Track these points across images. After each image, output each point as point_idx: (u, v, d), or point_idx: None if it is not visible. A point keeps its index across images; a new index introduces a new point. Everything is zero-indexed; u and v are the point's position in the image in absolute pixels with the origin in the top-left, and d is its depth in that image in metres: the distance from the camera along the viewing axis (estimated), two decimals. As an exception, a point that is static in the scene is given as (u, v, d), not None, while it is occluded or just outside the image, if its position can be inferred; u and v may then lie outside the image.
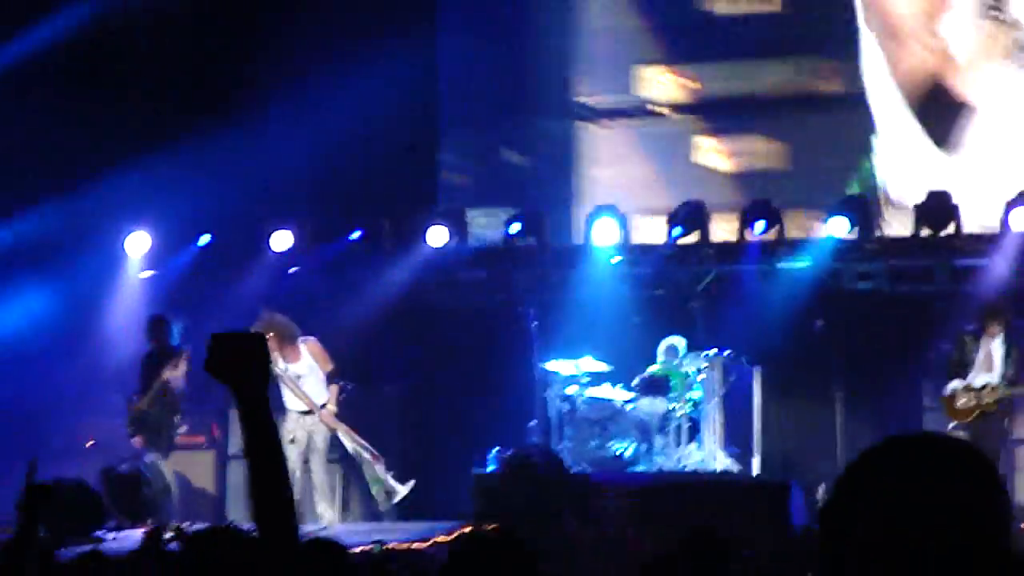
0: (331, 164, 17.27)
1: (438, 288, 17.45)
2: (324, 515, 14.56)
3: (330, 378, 14.51)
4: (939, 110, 17.13)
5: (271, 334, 13.69)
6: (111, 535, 14.17)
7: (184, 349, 15.12)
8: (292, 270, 17.57)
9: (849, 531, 2.27)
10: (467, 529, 13.41)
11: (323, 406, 14.46)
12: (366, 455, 14.46)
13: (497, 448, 15.22)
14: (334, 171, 17.31)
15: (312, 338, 14.47)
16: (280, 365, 13.96)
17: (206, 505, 16.29)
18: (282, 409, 14.21)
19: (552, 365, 15.55)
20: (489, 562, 3.85)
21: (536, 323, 15.68)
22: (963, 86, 17.11)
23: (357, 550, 10.51)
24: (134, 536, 13.42)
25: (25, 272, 17.17)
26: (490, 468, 14.94)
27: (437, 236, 17.04)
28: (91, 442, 16.59)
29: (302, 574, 3.32)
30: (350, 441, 14.47)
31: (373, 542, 11.35)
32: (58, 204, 17.17)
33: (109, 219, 17.32)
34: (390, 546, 12.35)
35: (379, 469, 14.46)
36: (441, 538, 13.08)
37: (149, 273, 17.61)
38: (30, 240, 17.24)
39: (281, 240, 17.28)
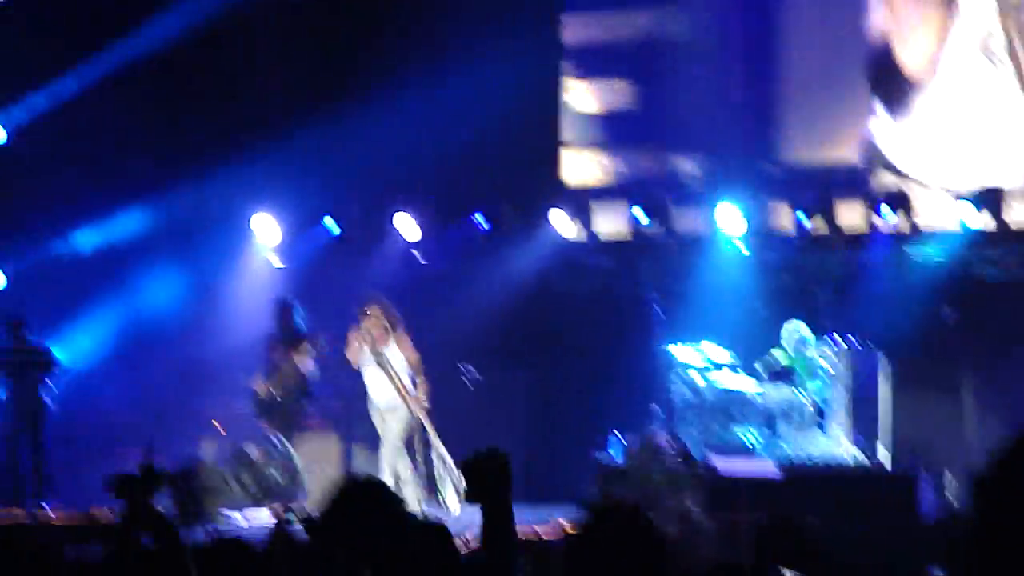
0: (455, 148, 17.34)
1: (563, 275, 17.48)
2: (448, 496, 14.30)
3: (419, 371, 14.22)
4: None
5: (375, 318, 13.61)
6: (239, 515, 14.37)
7: (316, 335, 15.17)
8: (416, 254, 17.68)
9: (1010, 515, 2.22)
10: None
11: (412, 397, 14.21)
12: (448, 457, 14.08)
13: (620, 434, 15.22)
14: (458, 155, 17.37)
15: (404, 330, 14.25)
16: (376, 349, 13.77)
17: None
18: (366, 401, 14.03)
19: (676, 352, 15.50)
20: (618, 538, 3.82)
21: (660, 310, 15.63)
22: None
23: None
24: (262, 517, 13.62)
25: (155, 258, 17.43)
26: (612, 453, 14.95)
27: (561, 223, 17.05)
28: (218, 424, 16.82)
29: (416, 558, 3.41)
30: (434, 435, 14.18)
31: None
32: (187, 190, 17.41)
33: (236, 204, 17.54)
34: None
35: (454, 477, 14.11)
36: (562, 522, 13.10)
37: (277, 260, 17.81)
38: (160, 227, 17.49)
39: (405, 225, 17.39)
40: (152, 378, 17.11)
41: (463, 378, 16.35)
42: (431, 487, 14.36)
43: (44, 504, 14.87)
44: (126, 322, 17.22)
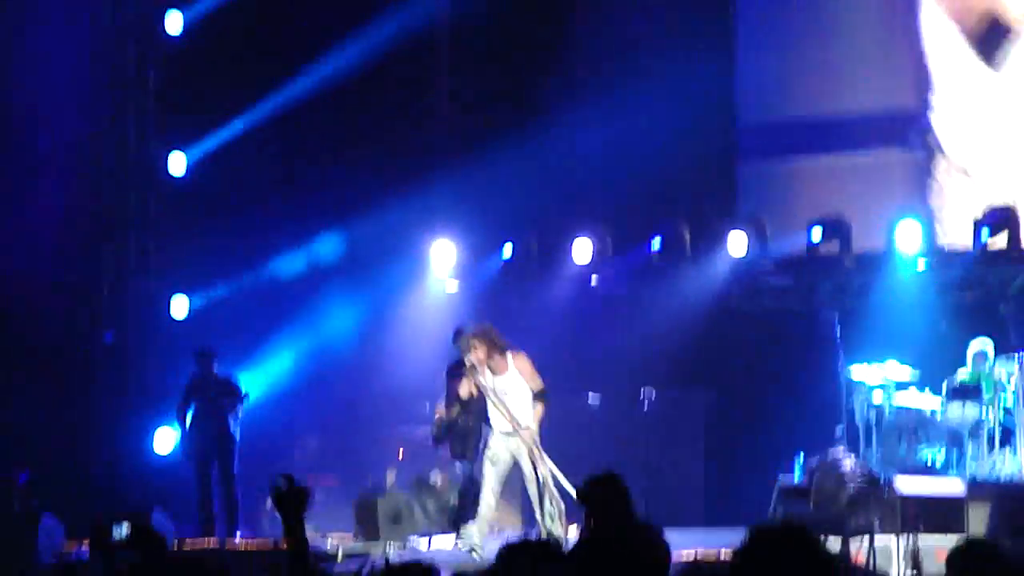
0: (631, 171, 17.37)
1: (741, 295, 17.41)
2: (555, 531, 13.02)
3: (537, 397, 13.15)
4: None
5: (476, 344, 13.03)
6: (424, 541, 14.52)
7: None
8: (594, 279, 17.74)
9: None
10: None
11: (524, 427, 13.12)
12: (554, 489, 12.93)
13: (802, 455, 15.09)
14: (634, 179, 17.40)
15: (523, 352, 13.22)
16: (487, 378, 12.97)
17: (513, 515, 16.52)
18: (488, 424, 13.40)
19: (857, 371, 15.32)
20: (785, 559, 3.81)
21: (840, 329, 15.47)
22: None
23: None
24: (445, 543, 13.74)
25: (337, 287, 17.70)
26: (796, 476, 14.82)
27: (738, 243, 16.99)
28: (401, 452, 17.01)
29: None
30: (544, 467, 12.98)
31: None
32: (366, 219, 17.66)
33: (415, 231, 17.75)
34: (695, 552, 12.35)
35: (556, 512, 12.83)
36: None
37: (455, 284, 17.99)
38: (340, 256, 17.75)
39: (582, 249, 17.46)
40: (334, 406, 17.36)
41: (643, 400, 16.33)
42: (533, 513, 13.97)
43: (236, 534, 15.16)
44: (308, 351, 17.50)
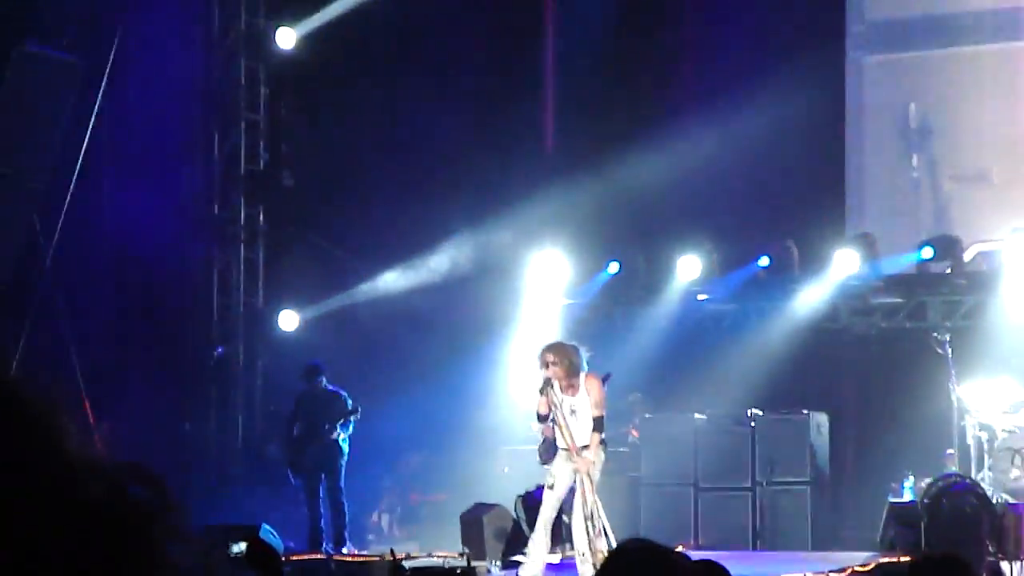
0: (738, 189, 17.31)
1: (849, 314, 17.27)
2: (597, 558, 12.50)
3: (596, 424, 12.74)
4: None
5: (555, 360, 12.86)
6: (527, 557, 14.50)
7: (606, 376, 15.06)
8: (701, 297, 17.67)
9: None
10: (882, 560, 13.19)
11: (584, 448, 12.71)
12: (594, 523, 12.47)
13: (912, 477, 14.92)
14: (742, 196, 17.32)
15: (596, 375, 12.95)
16: (558, 396, 12.65)
17: (623, 529, 16.48)
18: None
19: (968, 391, 15.12)
20: None
21: (951, 349, 15.28)
22: None
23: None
24: (552, 559, 13.71)
25: (442, 302, 17.75)
26: (906, 497, 14.65)
27: (846, 261, 16.85)
28: (506, 469, 17.03)
29: None
30: (591, 497, 12.60)
31: None
32: (472, 234, 17.71)
33: (522, 247, 17.76)
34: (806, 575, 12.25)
35: (598, 544, 12.35)
36: (857, 568, 12.90)
37: (564, 301, 18.00)
38: (447, 274, 17.80)
39: (689, 266, 17.39)
40: (441, 422, 17.39)
41: (749, 421, 16.24)
42: (561, 540, 13.68)
43: (344, 547, 15.23)
44: (415, 366, 17.55)
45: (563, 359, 12.67)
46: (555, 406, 12.62)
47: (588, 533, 12.50)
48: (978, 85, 17.60)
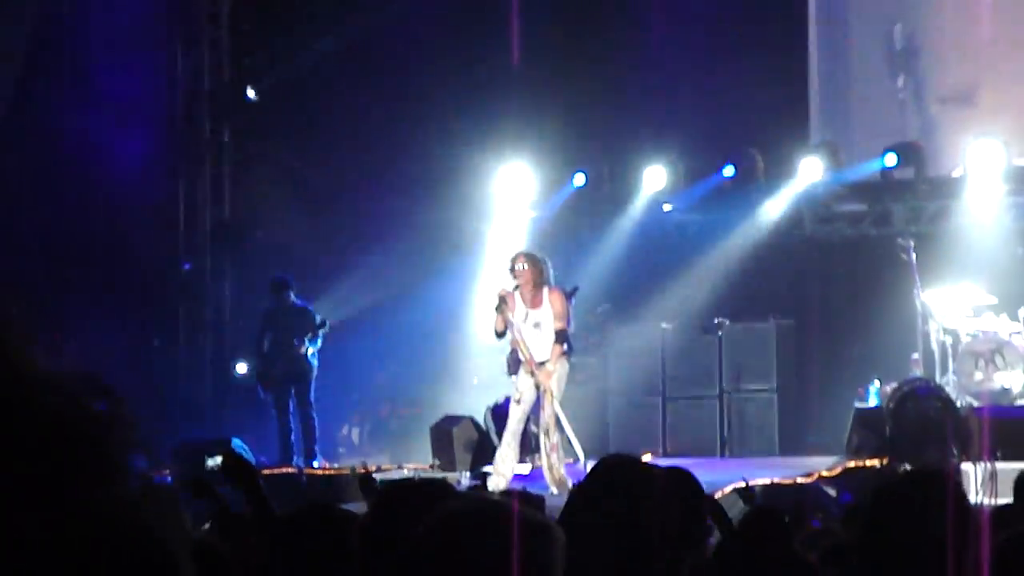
0: (701, 98, 17.29)
1: (814, 222, 17.34)
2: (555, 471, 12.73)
3: (557, 336, 12.78)
4: None
5: (526, 266, 12.87)
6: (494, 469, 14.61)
7: (574, 289, 15.07)
8: (667, 208, 17.70)
9: None
10: (849, 464, 13.34)
11: (543, 363, 12.79)
12: (554, 437, 12.66)
13: (878, 382, 15.06)
14: (704, 106, 17.31)
15: (559, 288, 13.02)
16: (521, 309, 12.71)
17: (592, 439, 16.60)
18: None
19: (933, 297, 15.22)
20: (916, 497, 3.76)
21: (915, 255, 15.37)
22: None
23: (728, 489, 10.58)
24: (521, 470, 13.80)
25: (408, 214, 17.72)
26: (872, 402, 14.80)
27: (811, 169, 16.88)
28: (475, 380, 17.11)
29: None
30: (549, 409, 12.72)
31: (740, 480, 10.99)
32: (435, 149, 17.67)
33: (488, 156, 17.72)
34: (772, 481, 12.38)
35: (552, 459, 12.59)
36: (824, 473, 13.05)
37: (531, 213, 18.01)
38: (411, 179, 17.74)
39: (655, 177, 17.40)
40: (411, 335, 17.43)
41: (716, 329, 16.34)
42: (531, 450, 13.72)
43: (314, 461, 15.32)
44: (385, 279, 17.56)
45: (534, 266, 12.75)
46: (511, 323, 12.70)
47: (544, 446, 12.63)
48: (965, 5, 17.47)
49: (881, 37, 17.80)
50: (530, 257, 12.98)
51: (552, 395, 12.77)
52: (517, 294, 12.77)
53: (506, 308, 12.70)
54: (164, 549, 1.54)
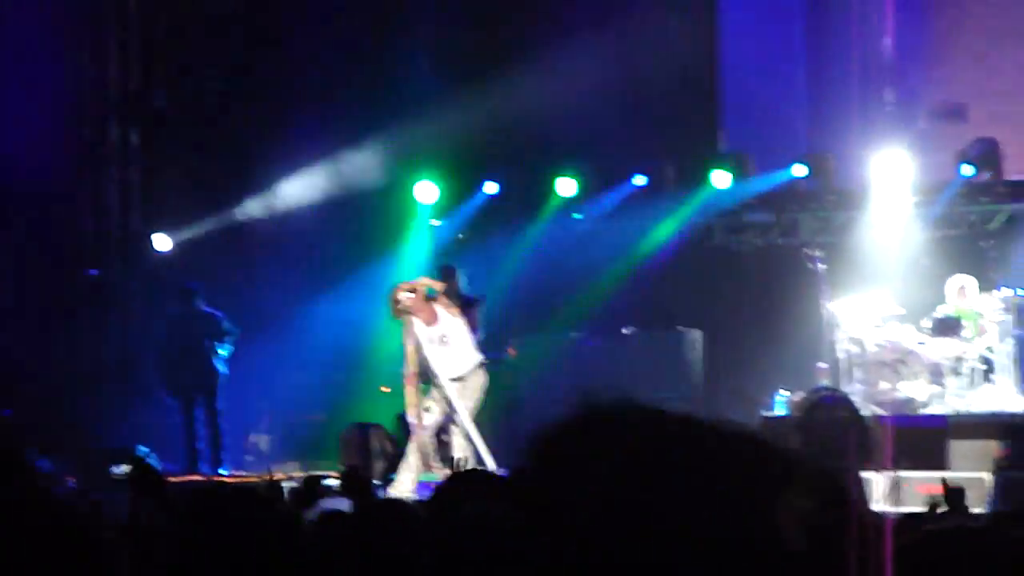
0: (612, 108, 17.35)
1: (723, 232, 17.46)
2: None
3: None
4: None
5: (408, 293, 12.91)
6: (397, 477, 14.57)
7: (481, 297, 15.09)
8: (577, 216, 17.75)
9: None
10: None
11: (459, 377, 13.06)
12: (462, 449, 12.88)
13: (785, 391, 15.16)
14: (615, 116, 17.37)
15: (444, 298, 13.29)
16: (423, 332, 12.93)
17: (503, 449, 16.60)
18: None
19: (839, 306, 15.37)
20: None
21: (823, 265, 15.52)
22: None
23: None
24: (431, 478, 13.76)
25: (321, 224, 17.66)
26: (778, 411, 14.90)
27: (720, 179, 17.00)
28: (386, 388, 17.05)
29: None
30: (463, 423, 12.91)
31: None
32: (346, 157, 17.61)
33: (398, 168, 17.70)
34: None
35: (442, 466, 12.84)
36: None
37: (437, 222, 17.99)
38: (326, 195, 17.70)
39: (565, 186, 17.45)
40: (320, 342, 17.36)
41: (626, 339, 16.39)
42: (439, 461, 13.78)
43: (220, 469, 15.21)
44: (294, 287, 17.49)
45: (413, 289, 12.82)
46: (417, 342, 12.74)
47: (455, 456, 12.66)
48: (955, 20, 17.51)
49: (868, 50, 17.82)
50: (402, 286, 13.09)
51: (463, 407, 12.82)
52: (415, 319, 12.82)
53: (412, 334, 12.79)
54: (84, 524, 1.52)
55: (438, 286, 13.15)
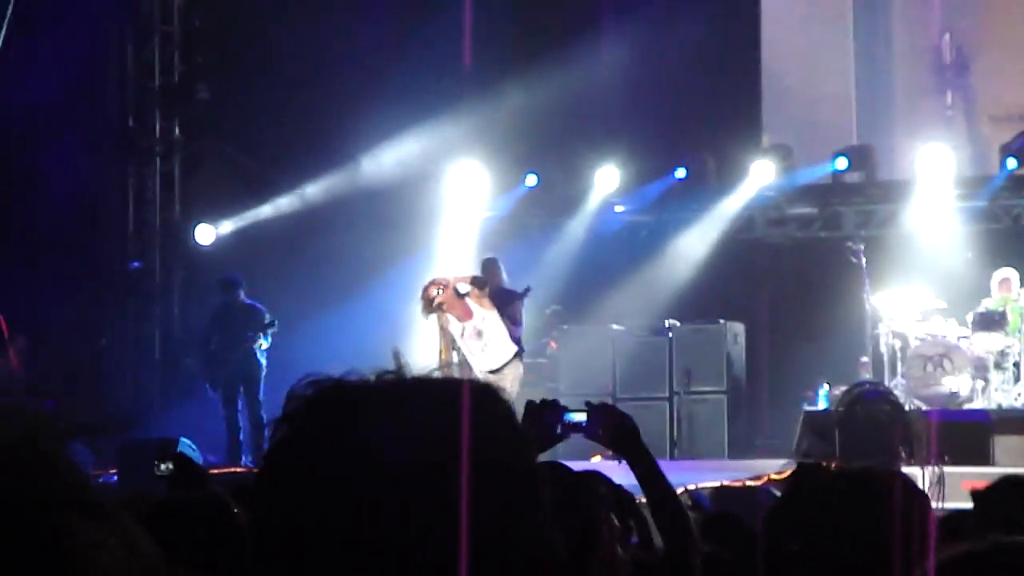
0: (655, 101, 17.30)
1: (765, 225, 17.39)
2: None
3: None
4: None
5: (439, 290, 12.88)
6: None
7: (526, 291, 14.89)
8: (619, 209, 17.71)
9: None
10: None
11: (497, 370, 13.00)
12: None
13: (827, 385, 15.10)
14: (658, 108, 17.32)
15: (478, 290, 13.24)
16: (457, 328, 12.95)
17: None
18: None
19: (882, 300, 15.29)
20: (828, 498, 3.75)
21: (865, 258, 15.44)
22: None
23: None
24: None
25: (361, 215, 17.66)
26: (821, 405, 14.84)
27: (763, 172, 16.93)
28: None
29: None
30: None
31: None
32: (388, 148, 17.61)
33: (438, 160, 17.68)
34: (722, 484, 12.38)
35: None
36: (773, 476, 13.06)
37: (483, 213, 17.97)
38: (365, 186, 17.70)
39: (607, 178, 17.41)
40: (361, 334, 17.35)
41: (668, 332, 16.34)
42: None
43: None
44: (336, 279, 17.48)
45: (445, 287, 12.83)
46: (455, 342, 12.77)
47: None
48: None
49: (927, 49, 17.57)
50: (433, 283, 13.10)
51: None
52: (449, 316, 12.85)
53: (446, 332, 12.81)
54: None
55: (466, 287, 13.14)
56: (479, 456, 1.55)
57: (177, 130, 18.02)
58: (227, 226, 17.74)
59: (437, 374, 1.66)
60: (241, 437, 15.47)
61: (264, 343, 15.41)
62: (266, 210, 17.86)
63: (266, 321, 15.42)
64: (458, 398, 1.59)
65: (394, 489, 1.54)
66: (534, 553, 1.57)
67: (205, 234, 17.65)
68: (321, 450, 1.58)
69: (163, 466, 12.87)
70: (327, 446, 1.58)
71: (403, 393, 1.64)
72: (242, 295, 15.57)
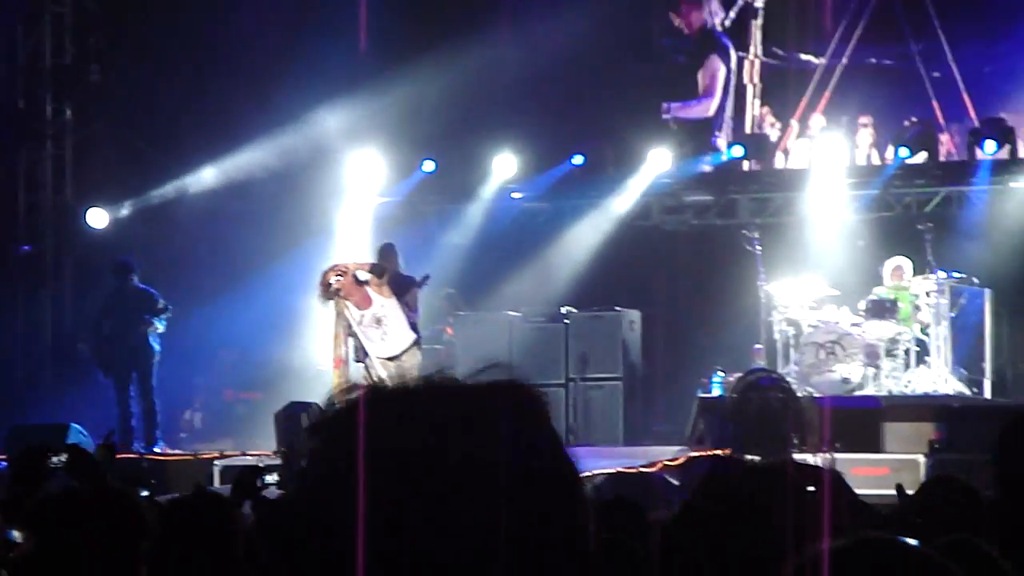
0: (553, 88, 17.31)
1: (662, 212, 17.45)
2: None
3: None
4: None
5: (339, 276, 12.84)
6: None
7: (424, 278, 14.90)
8: (516, 195, 17.71)
9: None
10: (692, 454, 13.45)
11: (394, 357, 13.05)
12: None
13: (721, 372, 15.21)
14: (556, 95, 17.33)
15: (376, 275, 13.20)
16: (354, 315, 12.92)
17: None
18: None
19: (776, 288, 15.43)
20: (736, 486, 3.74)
21: (760, 246, 15.57)
22: None
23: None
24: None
25: (258, 200, 17.53)
26: (715, 392, 14.94)
27: (659, 160, 16.99)
28: (323, 367, 16.97)
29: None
30: None
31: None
32: (284, 134, 17.48)
33: (334, 146, 17.59)
34: (618, 470, 12.43)
35: None
36: (667, 462, 13.13)
37: (379, 199, 17.90)
38: (262, 171, 17.56)
39: (504, 165, 17.39)
40: (255, 320, 17.24)
41: (564, 319, 16.37)
42: None
43: (155, 446, 15.10)
44: (229, 264, 17.34)
45: (344, 274, 12.76)
46: (352, 328, 12.70)
47: None
48: None
49: None
50: (333, 268, 13.03)
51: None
52: (347, 302, 12.78)
53: (342, 319, 12.76)
54: None
55: (366, 275, 13.07)
56: (524, 461, 1.57)
57: (69, 112, 17.78)
58: (121, 210, 17.54)
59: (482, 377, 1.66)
60: (133, 423, 15.31)
61: (159, 327, 15.26)
62: (160, 194, 17.67)
63: (159, 306, 15.27)
64: (506, 403, 1.59)
65: (442, 492, 1.55)
66: (575, 557, 1.58)
67: (98, 218, 17.44)
68: (371, 451, 1.57)
69: (55, 458, 12.69)
70: (377, 446, 1.57)
71: (454, 397, 1.63)
72: (135, 280, 15.40)
